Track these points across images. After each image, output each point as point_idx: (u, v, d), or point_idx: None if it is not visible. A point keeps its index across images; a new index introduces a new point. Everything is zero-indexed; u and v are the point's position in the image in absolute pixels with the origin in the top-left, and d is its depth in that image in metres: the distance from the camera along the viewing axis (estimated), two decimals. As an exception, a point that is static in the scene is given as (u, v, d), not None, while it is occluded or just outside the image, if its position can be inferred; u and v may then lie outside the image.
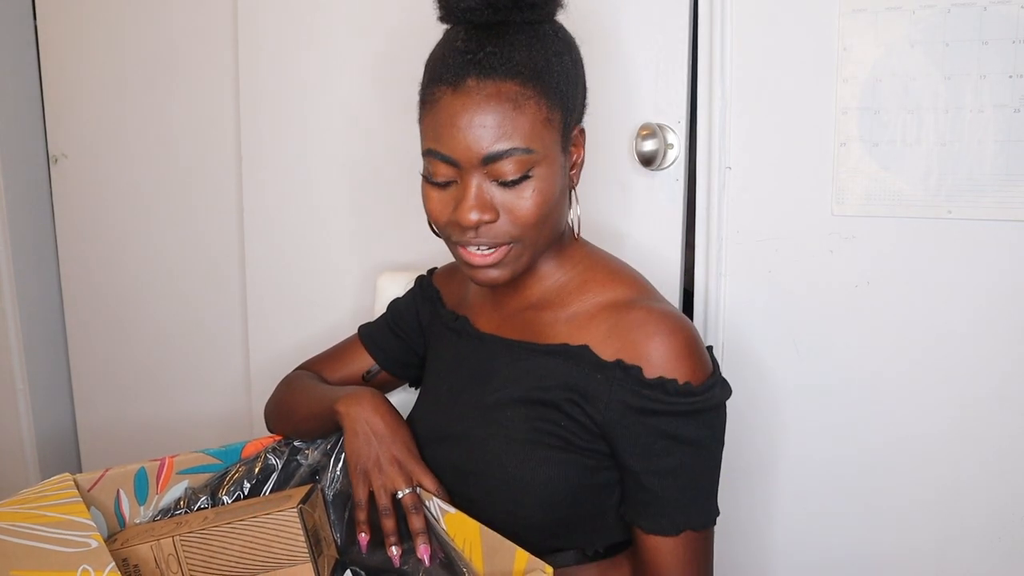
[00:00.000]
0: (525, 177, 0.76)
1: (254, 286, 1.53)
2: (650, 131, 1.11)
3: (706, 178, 1.12)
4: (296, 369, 1.06)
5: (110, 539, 0.86)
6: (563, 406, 0.80)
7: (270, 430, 1.01)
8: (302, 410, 0.94)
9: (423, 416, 0.92)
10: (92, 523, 0.76)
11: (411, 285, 1.06)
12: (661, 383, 0.76)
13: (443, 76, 0.76)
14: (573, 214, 0.86)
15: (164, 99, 1.57)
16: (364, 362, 1.02)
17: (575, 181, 0.84)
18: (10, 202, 1.68)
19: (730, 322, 1.13)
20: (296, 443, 0.94)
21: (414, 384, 1.06)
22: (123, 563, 0.81)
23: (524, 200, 0.76)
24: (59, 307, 1.78)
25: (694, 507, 0.79)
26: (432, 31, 0.83)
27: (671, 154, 1.13)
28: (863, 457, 1.07)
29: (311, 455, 0.92)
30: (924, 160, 0.99)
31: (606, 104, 1.15)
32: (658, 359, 0.76)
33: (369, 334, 1.03)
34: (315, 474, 0.90)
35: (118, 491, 0.88)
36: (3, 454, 1.79)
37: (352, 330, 1.08)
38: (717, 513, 0.82)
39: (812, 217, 1.06)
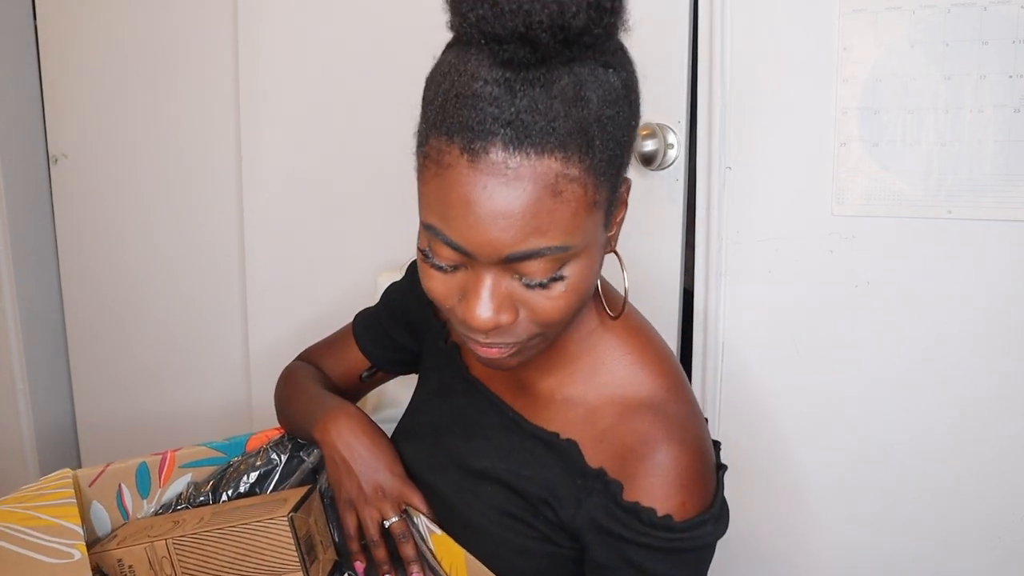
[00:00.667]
0: (557, 278, 0.60)
1: (254, 285, 1.53)
2: (650, 131, 1.12)
3: (706, 178, 1.12)
4: (296, 359, 1.02)
5: (110, 535, 0.86)
6: (538, 506, 0.71)
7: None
8: (294, 417, 0.91)
9: (404, 443, 0.85)
10: (80, 530, 0.76)
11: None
12: (636, 509, 0.65)
13: (455, 132, 0.56)
14: (624, 283, 0.70)
15: (164, 99, 1.57)
16: (360, 359, 0.97)
17: (614, 244, 0.68)
18: (10, 202, 1.68)
19: (730, 322, 1.13)
20: (299, 439, 0.94)
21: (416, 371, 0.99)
22: (118, 563, 0.81)
23: (552, 300, 0.61)
24: (59, 307, 1.78)
25: None
26: (436, 31, 0.73)
27: (671, 154, 1.13)
28: (862, 457, 1.07)
29: (314, 453, 0.91)
30: (924, 160, 0.99)
31: (606, 104, 1.15)
32: (642, 483, 0.65)
33: (364, 330, 0.97)
34: (316, 472, 0.90)
35: (120, 485, 0.88)
36: (3, 452, 1.79)
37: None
38: None
39: (812, 217, 1.06)
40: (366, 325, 0.97)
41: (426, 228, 0.61)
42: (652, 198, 1.16)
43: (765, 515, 1.15)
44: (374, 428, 0.82)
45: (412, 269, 0.94)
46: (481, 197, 0.56)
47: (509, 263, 0.59)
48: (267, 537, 0.80)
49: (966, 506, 1.03)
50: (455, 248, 0.59)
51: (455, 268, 0.62)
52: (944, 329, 1.01)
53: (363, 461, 0.78)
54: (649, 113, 1.14)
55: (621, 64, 0.63)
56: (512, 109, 0.55)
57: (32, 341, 1.74)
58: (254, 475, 0.90)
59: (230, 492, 0.89)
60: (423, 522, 0.78)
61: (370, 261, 1.40)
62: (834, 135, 1.03)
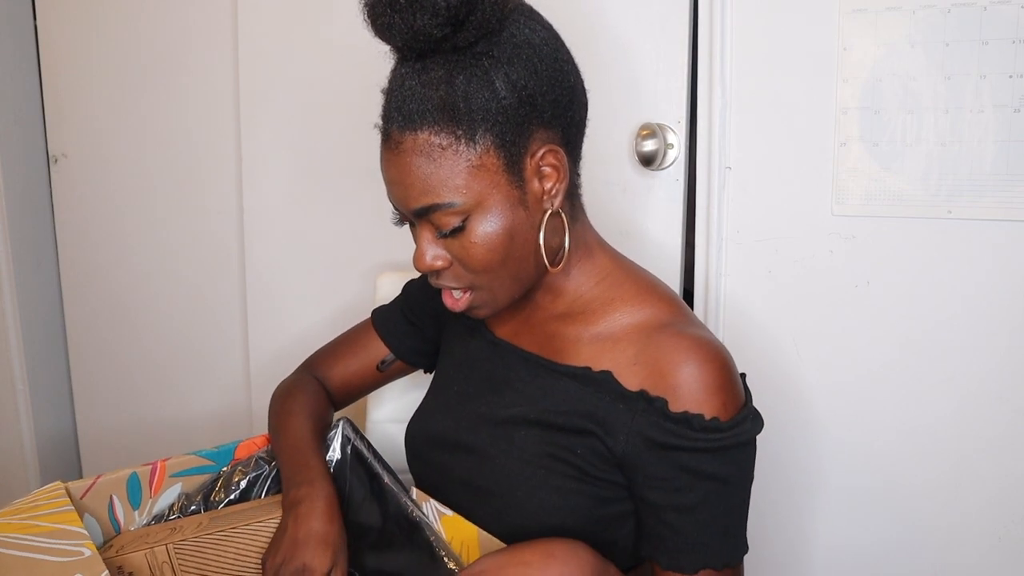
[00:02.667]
0: (459, 228, 0.72)
1: (254, 286, 1.53)
2: (650, 131, 1.12)
3: (706, 178, 1.12)
4: (300, 368, 1.02)
5: (105, 545, 0.85)
6: (581, 434, 0.75)
7: None
8: (280, 455, 0.88)
9: (430, 417, 0.89)
10: (85, 531, 0.75)
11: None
12: (686, 418, 0.71)
13: (381, 119, 0.74)
14: (565, 240, 0.76)
15: (164, 99, 1.57)
16: (378, 350, 0.98)
17: (554, 205, 0.74)
18: (10, 202, 1.68)
19: (730, 322, 1.13)
20: None
21: (429, 370, 1.01)
22: (118, 571, 0.80)
23: (466, 248, 0.72)
24: (59, 307, 1.78)
25: (715, 545, 0.73)
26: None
27: (671, 154, 1.13)
28: (862, 457, 1.07)
29: None
30: (924, 160, 0.99)
31: (606, 104, 1.15)
32: (685, 391, 0.71)
33: (383, 321, 0.99)
34: None
35: (111, 497, 0.87)
36: (3, 455, 1.79)
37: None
38: (744, 551, 0.76)
39: (812, 217, 1.06)
40: (385, 318, 1.00)
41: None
42: (652, 198, 1.16)
43: (764, 513, 1.15)
44: (334, 518, 0.80)
45: None
46: (387, 168, 0.73)
47: (420, 217, 0.73)
48: (268, 537, 0.80)
49: (965, 506, 1.03)
50: (393, 206, 0.76)
51: (408, 222, 0.77)
52: (944, 329, 1.01)
53: (301, 546, 0.77)
54: (649, 113, 1.14)
55: (526, 42, 0.71)
56: (399, 99, 0.71)
57: (32, 341, 1.74)
58: (244, 482, 0.89)
59: (224, 495, 0.89)
60: (432, 506, 0.79)
61: (370, 261, 1.40)
62: (834, 135, 1.03)
